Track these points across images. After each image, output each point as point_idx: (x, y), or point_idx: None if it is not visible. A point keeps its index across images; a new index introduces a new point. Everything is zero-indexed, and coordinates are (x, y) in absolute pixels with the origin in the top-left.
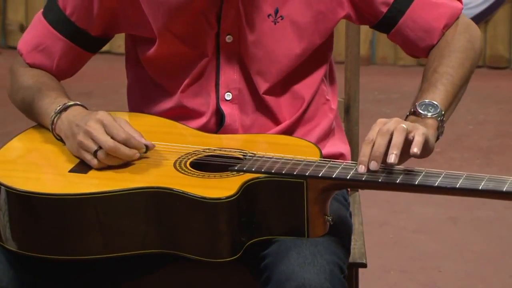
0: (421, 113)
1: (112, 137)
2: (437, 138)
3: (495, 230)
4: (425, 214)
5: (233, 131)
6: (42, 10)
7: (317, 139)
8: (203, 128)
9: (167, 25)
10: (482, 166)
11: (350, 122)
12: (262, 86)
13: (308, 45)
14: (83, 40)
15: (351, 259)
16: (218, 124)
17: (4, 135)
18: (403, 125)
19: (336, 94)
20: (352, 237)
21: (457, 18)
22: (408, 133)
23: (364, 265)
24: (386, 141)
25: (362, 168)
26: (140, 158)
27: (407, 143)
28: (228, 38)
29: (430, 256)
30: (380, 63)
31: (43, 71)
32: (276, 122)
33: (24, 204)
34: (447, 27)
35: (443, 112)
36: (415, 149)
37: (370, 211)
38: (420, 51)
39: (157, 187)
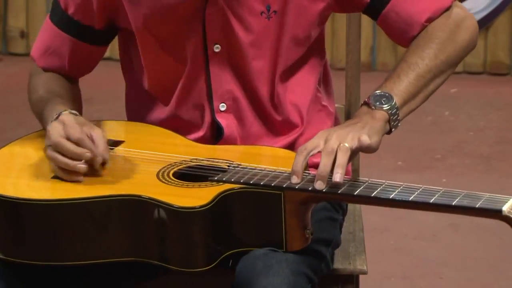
0: (372, 104)
1: (67, 137)
2: (390, 131)
3: (496, 236)
4: (426, 220)
5: (233, 141)
6: (49, 13)
7: None
8: (201, 141)
9: (146, 25)
10: (483, 172)
11: None
12: (262, 87)
13: (292, 39)
14: (90, 36)
15: (351, 266)
16: (216, 136)
17: (4, 142)
18: (346, 144)
19: (333, 98)
20: (353, 244)
21: (445, 10)
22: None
23: (364, 272)
24: (331, 161)
25: (295, 179)
26: (126, 166)
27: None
28: (216, 48)
29: (431, 262)
30: (381, 69)
31: (54, 76)
32: (274, 128)
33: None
34: (430, 20)
35: (396, 105)
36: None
37: (371, 217)
38: (404, 41)
39: (126, 195)
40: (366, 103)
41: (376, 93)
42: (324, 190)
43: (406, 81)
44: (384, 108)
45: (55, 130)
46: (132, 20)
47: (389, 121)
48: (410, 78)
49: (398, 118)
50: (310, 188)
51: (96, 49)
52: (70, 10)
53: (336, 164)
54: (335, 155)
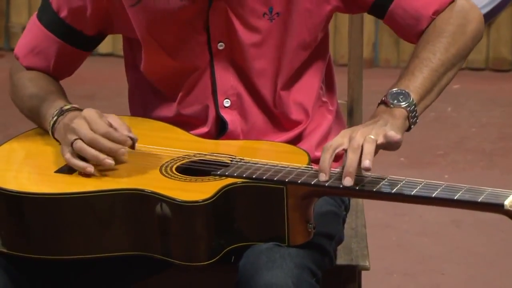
0: (390, 103)
1: (93, 131)
2: (409, 128)
3: (499, 233)
4: (428, 217)
5: (235, 137)
6: (36, 12)
7: (319, 141)
8: (206, 136)
9: (150, 32)
10: (485, 168)
11: (354, 124)
12: (264, 87)
13: (299, 43)
14: (79, 41)
15: (354, 262)
16: (220, 131)
17: (6, 138)
18: (372, 136)
19: (335, 94)
20: (355, 240)
21: (451, 3)
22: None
23: (367, 268)
24: (358, 157)
25: (323, 176)
26: (129, 160)
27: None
28: (220, 45)
29: (433, 259)
30: (383, 65)
31: (41, 74)
32: (278, 124)
33: (1, 202)
34: (437, 13)
35: (414, 102)
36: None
37: (374, 213)
38: (412, 37)
39: (129, 189)
40: (383, 102)
41: (393, 91)
42: (342, 186)
43: (420, 77)
44: (403, 106)
45: (83, 127)
46: (137, 27)
47: (408, 118)
48: (425, 74)
49: (416, 114)
50: (312, 182)
51: (82, 54)
52: (63, 14)
53: (363, 153)
54: (361, 151)
